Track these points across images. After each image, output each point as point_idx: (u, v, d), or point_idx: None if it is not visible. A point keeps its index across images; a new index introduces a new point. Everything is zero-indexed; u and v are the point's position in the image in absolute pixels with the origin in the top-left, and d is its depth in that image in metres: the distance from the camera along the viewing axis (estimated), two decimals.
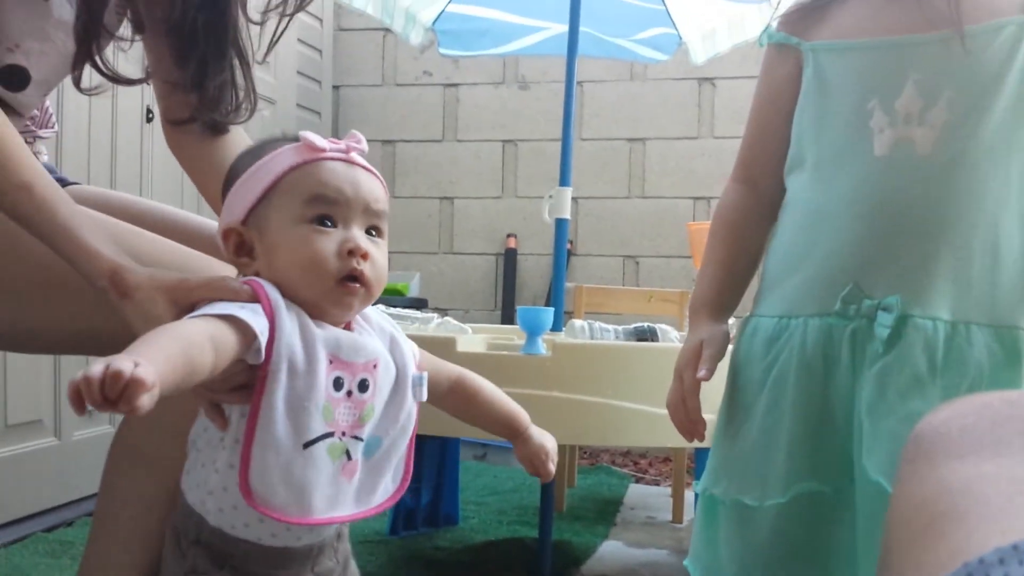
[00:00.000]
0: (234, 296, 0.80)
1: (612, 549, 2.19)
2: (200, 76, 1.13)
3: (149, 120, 2.38)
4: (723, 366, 0.99)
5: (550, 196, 2.19)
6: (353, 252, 0.83)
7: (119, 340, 0.73)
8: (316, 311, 0.83)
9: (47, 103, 1.17)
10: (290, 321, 0.80)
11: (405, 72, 3.85)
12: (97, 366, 0.61)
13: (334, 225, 0.84)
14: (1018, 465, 0.40)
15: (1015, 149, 0.86)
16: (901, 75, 0.87)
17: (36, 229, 0.88)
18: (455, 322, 2.06)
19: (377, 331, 0.89)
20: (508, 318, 3.85)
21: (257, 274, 0.85)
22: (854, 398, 0.87)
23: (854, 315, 0.87)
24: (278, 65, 3.31)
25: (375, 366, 0.84)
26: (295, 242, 0.83)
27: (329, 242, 0.83)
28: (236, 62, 1.16)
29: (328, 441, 0.80)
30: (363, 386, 0.83)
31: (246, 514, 0.81)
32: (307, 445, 0.79)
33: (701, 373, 0.95)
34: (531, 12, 2.58)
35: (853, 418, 0.87)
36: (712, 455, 0.99)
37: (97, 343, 0.94)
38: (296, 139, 0.88)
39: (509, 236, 3.86)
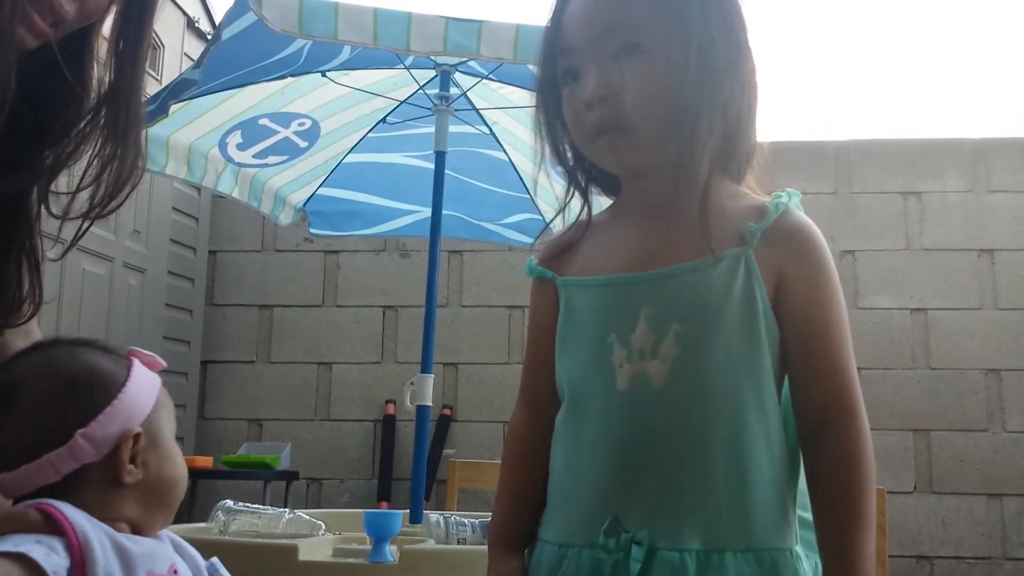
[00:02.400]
0: (27, 528, 0.75)
1: None
2: None
3: None
4: None
5: (411, 383, 2.18)
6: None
7: None
8: (155, 522, 0.84)
9: None
10: (101, 548, 0.76)
11: (285, 239, 3.86)
12: None
13: None
14: None
15: (744, 374, 0.89)
16: (634, 311, 0.91)
17: None
18: (306, 517, 1.98)
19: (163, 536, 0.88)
20: (385, 488, 3.75)
21: (136, 485, 0.82)
22: None
23: (614, 548, 0.87)
24: (149, 234, 3.27)
25: (175, 571, 0.83)
26: (179, 456, 0.87)
27: None
28: (24, 260, 1.10)
29: None
30: None
31: None
32: None
33: None
34: (401, 196, 2.65)
35: None
36: None
37: None
38: (85, 343, 0.87)
39: (388, 402, 3.81)
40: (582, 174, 1.00)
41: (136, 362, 0.87)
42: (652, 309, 0.90)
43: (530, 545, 0.99)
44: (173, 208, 3.43)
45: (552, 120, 0.97)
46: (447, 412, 3.80)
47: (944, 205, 3.78)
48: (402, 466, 3.76)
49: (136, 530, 0.82)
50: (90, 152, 1.05)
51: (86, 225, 1.10)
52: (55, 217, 1.11)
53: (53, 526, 0.76)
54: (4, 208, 1.07)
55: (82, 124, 1.04)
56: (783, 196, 0.94)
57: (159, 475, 0.84)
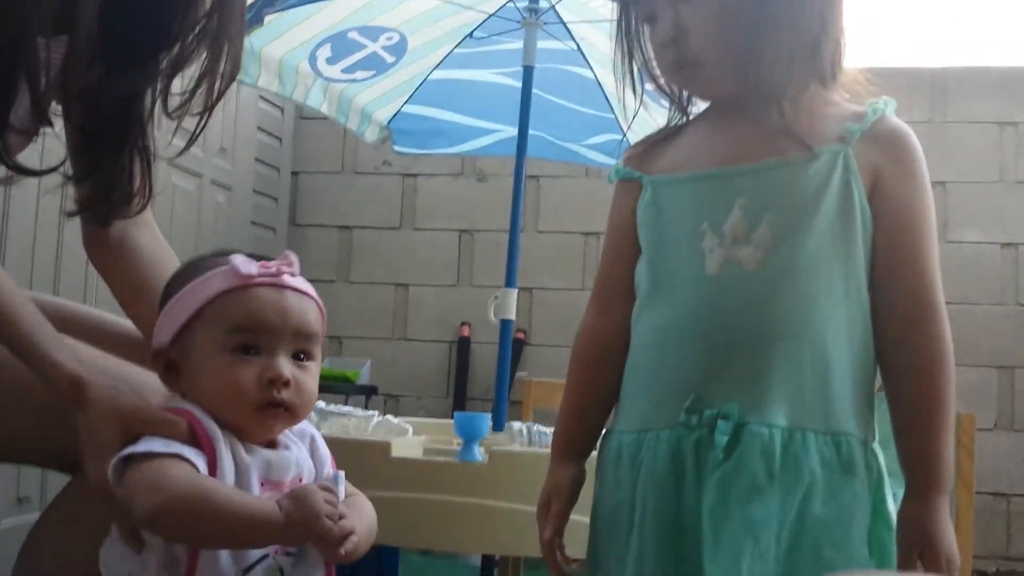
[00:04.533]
0: (182, 439, 0.83)
1: None
2: (93, 168, 1.14)
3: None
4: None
5: (495, 297, 2.21)
6: (274, 381, 0.85)
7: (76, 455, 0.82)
8: (241, 432, 0.86)
9: None
10: (227, 456, 0.83)
11: (365, 161, 3.90)
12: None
13: (258, 353, 0.86)
14: None
15: (835, 265, 0.91)
16: (728, 201, 0.93)
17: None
18: (395, 420, 2.05)
19: (298, 435, 0.91)
20: (460, 406, 3.83)
21: (183, 395, 0.88)
22: (700, 507, 0.89)
23: (696, 425, 0.90)
24: (236, 153, 3.34)
25: (300, 479, 0.88)
26: (215, 371, 0.86)
27: (249, 371, 0.85)
28: (136, 157, 1.17)
29: (264, 563, 0.83)
30: None
31: None
32: (247, 571, 0.81)
33: (547, 534, 0.98)
34: (486, 115, 2.64)
35: (701, 527, 0.89)
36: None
37: (56, 459, 0.99)
38: (228, 258, 0.90)
39: (463, 324, 3.87)
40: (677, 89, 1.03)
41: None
42: (747, 199, 0.93)
43: (602, 440, 1.01)
44: (258, 128, 3.49)
45: (636, 53, 1.02)
46: (521, 336, 3.85)
47: None
48: (476, 387, 3.83)
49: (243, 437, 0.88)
50: (202, 57, 1.10)
51: (203, 121, 1.15)
52: (170, 117, 1.16)
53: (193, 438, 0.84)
54: (119, 109, 1.12)
55: (196, 30, 1.08)
56: (880, 103, 0.96)
57: (192, 390, 0.92)
